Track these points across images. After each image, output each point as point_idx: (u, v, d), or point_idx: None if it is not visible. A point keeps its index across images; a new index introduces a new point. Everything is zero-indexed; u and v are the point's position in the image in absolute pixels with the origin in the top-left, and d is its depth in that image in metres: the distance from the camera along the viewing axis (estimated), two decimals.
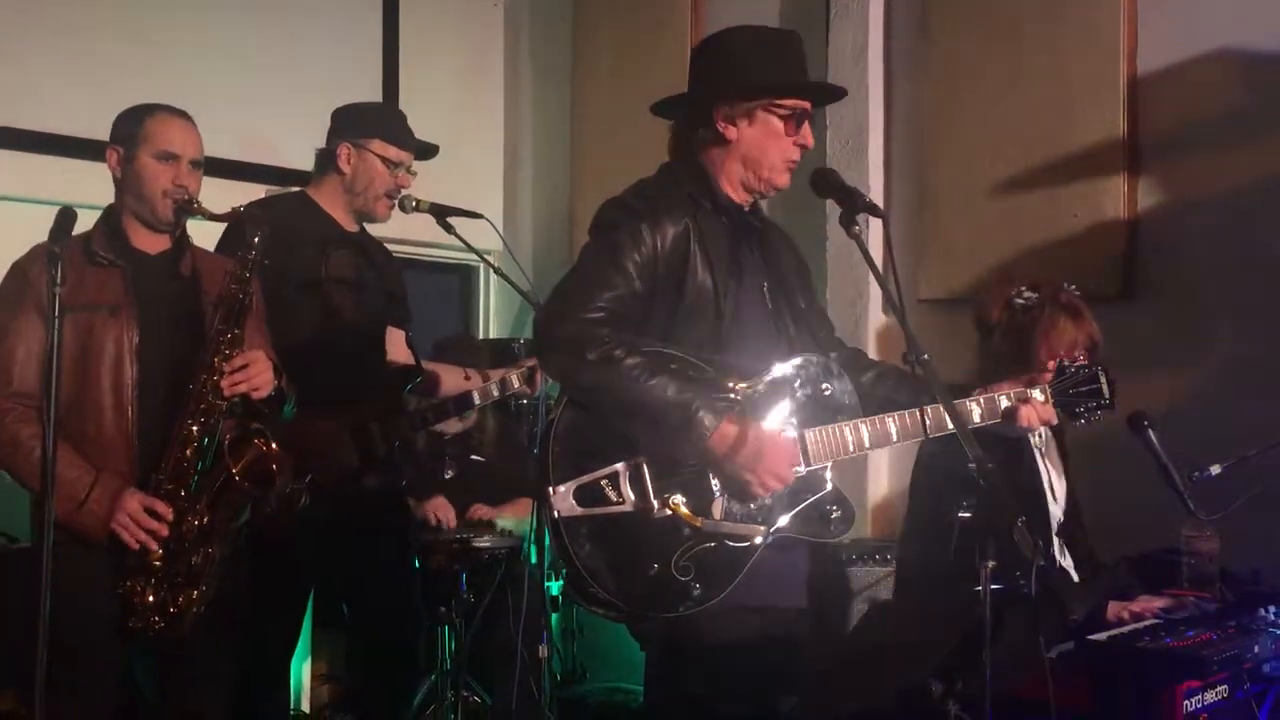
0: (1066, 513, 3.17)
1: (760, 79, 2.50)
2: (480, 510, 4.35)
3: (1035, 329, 3.03)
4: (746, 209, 2.59)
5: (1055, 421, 2.74)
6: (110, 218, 2.90)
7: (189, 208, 2.86)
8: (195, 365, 2.81)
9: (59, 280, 2.53)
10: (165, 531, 2.73)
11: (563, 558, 2.33)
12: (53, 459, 2.52)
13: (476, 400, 3.67)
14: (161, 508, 2.73)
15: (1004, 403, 2.64)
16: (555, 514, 2.31)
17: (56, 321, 2.54)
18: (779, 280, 2.59)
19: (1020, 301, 3.09)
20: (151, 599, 2.74)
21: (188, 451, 2.78)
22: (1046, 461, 3.13)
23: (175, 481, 2.77)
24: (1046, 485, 3.09)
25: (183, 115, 2.95)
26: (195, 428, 2.78)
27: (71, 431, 2.71)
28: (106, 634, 2.72)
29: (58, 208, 2.77)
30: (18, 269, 2.82)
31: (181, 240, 2.95)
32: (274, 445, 2.83)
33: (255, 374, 2.82)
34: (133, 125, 2.89)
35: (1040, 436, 3.10)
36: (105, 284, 2.80)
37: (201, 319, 2.88)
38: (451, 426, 4.36)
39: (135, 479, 2.76)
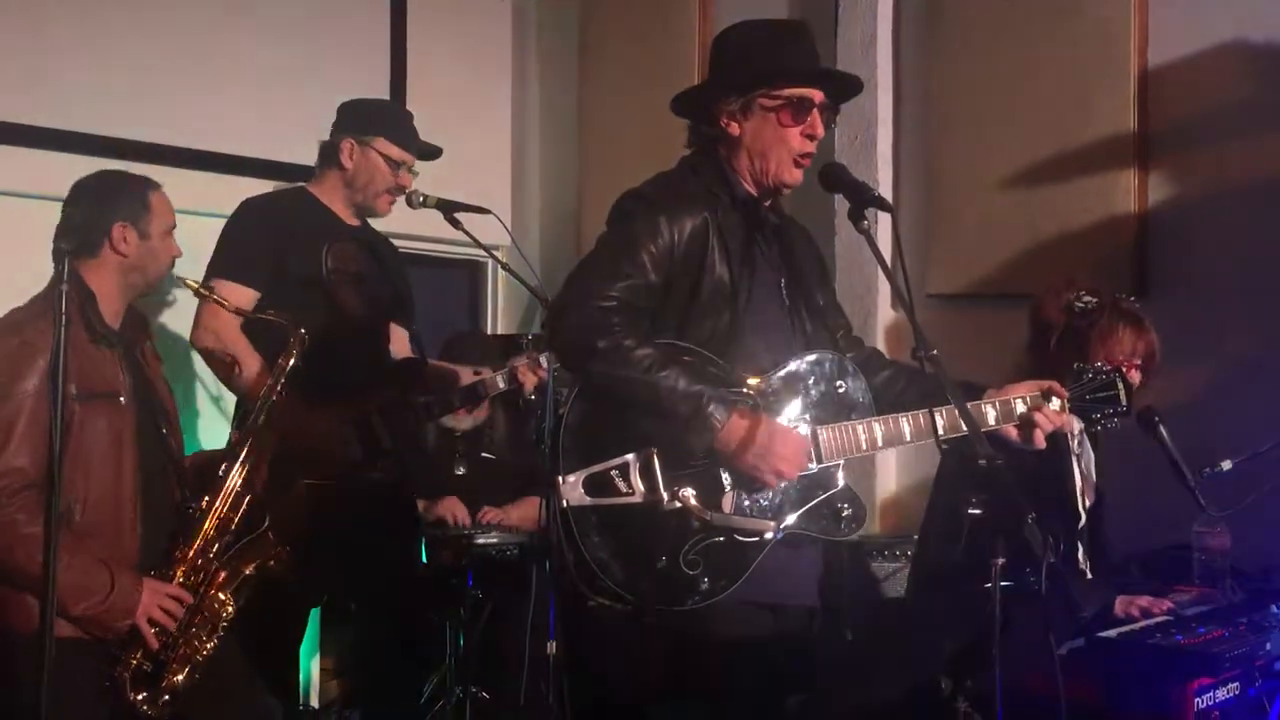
0: (1090, 515, 3.15)
1: (751, 71, 2.48)
2: (490, 514, 4.34)
3: (1093, 334, 3.01)
4: (765, 204, 2.57)
5: (1072, 428, 2.71)
6: (82, 287, 2.75)
7: (209, 292, 3.03)
8: (225, 455, 2.92)
9: (65, 276, 2.48)
10: (181, 616, 2.76)
11: (570, 548, 2.32)
12: (58, 489, 2.44)
13: (483, 392, 3.66)
14: (186, 596, 2.77)
15: (1019, 408, 2.58)
16: (564, 503, 2.30)
17: (63, 334, 2.45)
18: (796, 277, 2.57)
19: (1080, 306, 3.06)
20: (146, 682, 2.73)
21: (212, 538, 2.82)
22: (1079, 465, 3.10)
23: (192, 568, 2.81)
24: (1078, 489, 3.06)
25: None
26: (220, 518, 2.83)
27: (75, 522, 2.65)
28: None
29: (60, 204, 2.79)
30: (13, 328, 2.70)
31: (139, 315, 2.96)
32: (284, 549, 2.91)
33: None
34: (139, 202, 2.85)
35: (1077, 442, 3.06)
36: (106, 365, 2.75)
37: (159, 398, 2.92)
38: (463, 423, 4.35)
39: (138, 568, 2.74)
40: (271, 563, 2.91)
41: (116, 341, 2.79)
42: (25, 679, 2.52)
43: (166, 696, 2.74)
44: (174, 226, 2.93)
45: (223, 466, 2.89)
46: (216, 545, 2.84)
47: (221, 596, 2.82)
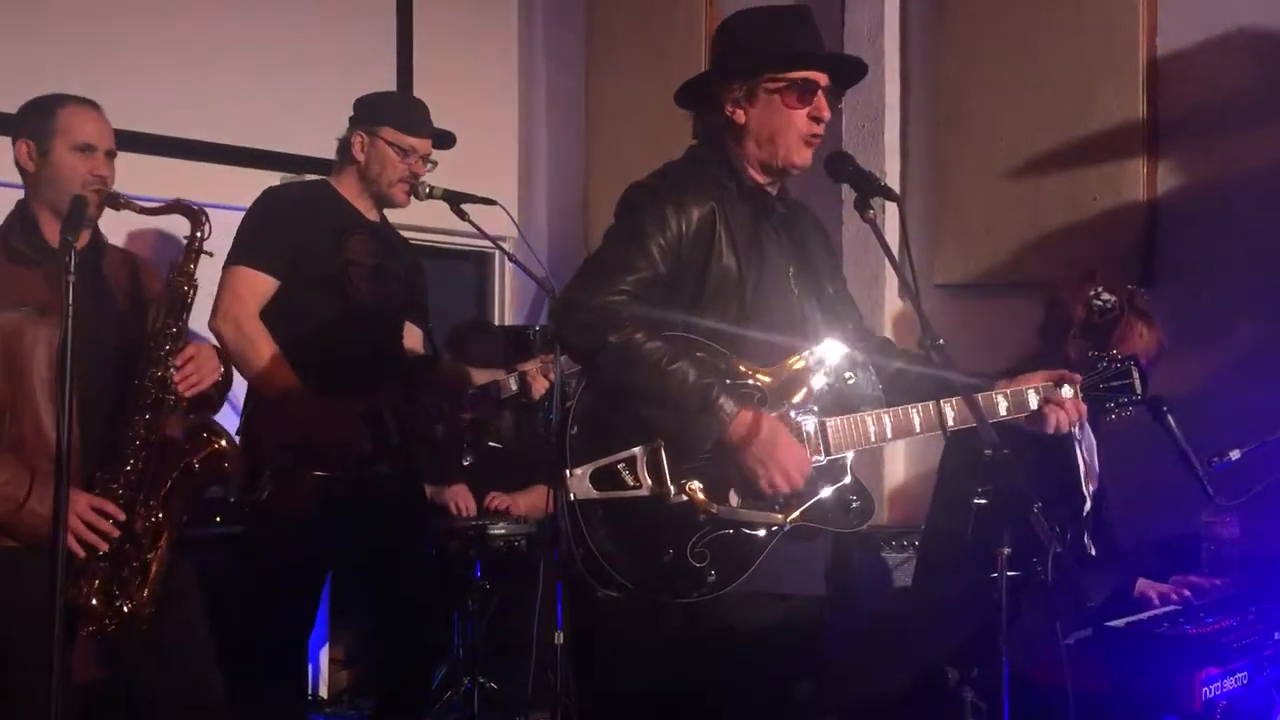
0: (1094, 502, 3.15)
1: (755, 56, 2.47)
2: (497, 499, 4.36)
3: (1113, 333, 3.01)
4: (773, 192, 2.56)
5: (1084, 418, 2.70)
6: (25, 213, 2.77)
7: (115, 201, 2.75)
8: (140, 361, 2.76)
9: (71, 268, 2.42)
10: (116, 533, 2.67)
11: (578, 541, 2.31)
12: (67, 459, 2.37)
13: (495, 394, 3.67)
14: (112, 508, 2.67)
15: (1032, 397, 2.56)
16: (571, 497, 2.30)
17: (70, 312, 2.39)
18: (805, 265, 2.56)
19: (1099, 304, 3.06)
20: (100, 601, 2.67)
21: (136, 446, 2.72)
22: (1082, 454, 3.10)
23: (122, 480, 2.71)
24: (1082, 477, 3.06)
25: (94, 105, 2.84)
26: (144, 425, 2.72)
27: (4, 431, 2.65)
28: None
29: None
30: None
31: (98, 236, 2.87)
32: (226, 442, 2.78)
33: (205, 368, 2.78)
34: (44, 118, 2.76)
35: (1078, 428, 3.06)
36: (29, 283, 2.69)
37: (124, 317, 2.83)
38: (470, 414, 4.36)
39: (76, 481, 2.62)
40: (225, 464, 2.77)
41: (48, 261, 2.70)
42: None
43: (109, 619, 2.67)
44: (89, 146, 2.76)
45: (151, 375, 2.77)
46: (147, 456, 2.73)
47: (157, 509, 2.71)
